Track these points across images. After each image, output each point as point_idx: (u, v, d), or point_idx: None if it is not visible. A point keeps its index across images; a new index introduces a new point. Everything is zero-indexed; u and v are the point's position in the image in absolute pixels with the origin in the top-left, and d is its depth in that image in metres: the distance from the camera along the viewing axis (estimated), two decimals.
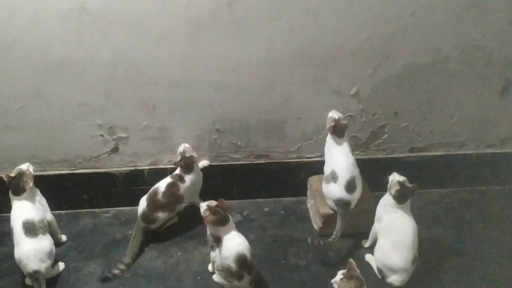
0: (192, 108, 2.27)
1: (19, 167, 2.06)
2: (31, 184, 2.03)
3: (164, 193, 2.21)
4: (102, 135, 2.31)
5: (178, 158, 2.24)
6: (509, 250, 2.22)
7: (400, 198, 1.96)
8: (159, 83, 2.18)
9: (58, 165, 2.36)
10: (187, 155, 2.23)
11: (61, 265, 2.12)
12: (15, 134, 2.26)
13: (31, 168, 2.08)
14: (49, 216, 2.14)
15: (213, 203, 1.91)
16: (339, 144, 2.15)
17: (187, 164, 2.23)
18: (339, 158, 2.14)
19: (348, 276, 1.64)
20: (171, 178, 2.26)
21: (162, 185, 2.24)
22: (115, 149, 2.35)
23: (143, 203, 2.24)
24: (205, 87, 2.22)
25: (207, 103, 2.26)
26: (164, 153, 2.38)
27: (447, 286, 2.03)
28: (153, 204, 2.21)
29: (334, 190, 2.13)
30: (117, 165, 2.39)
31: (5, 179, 2.02)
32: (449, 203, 2.54)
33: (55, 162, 2.36)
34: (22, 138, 2.28)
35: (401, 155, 2.52)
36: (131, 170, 2.40)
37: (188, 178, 2.25)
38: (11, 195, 2.04)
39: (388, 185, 2.01)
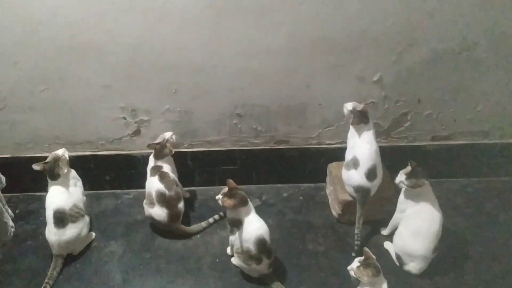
0: (213, 92, 2.27)
1: (55, 152, 2.10)
2: (66, 170, 2.07)
3: (165, 187, 2.16)
4: (124, 118, 2.33)
5: (157, 141, 2.22)
6: None
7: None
8: (181, 67, 2.19)
9: (81, 146, 2.40)
10: (168, 145, 2.22)
11: (93, 234, 2.22)
12: (39, 116, 2.31)
13: (66, 154, 2.11)
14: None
15: (225, 189, 1.92)
16: (364, 130, 2.13)
17: (160, 152, 2.21)
18: (362, 145, 2.12)
19: (365, 264, 1.64)
20: (154, 174, 2.20)
21: (156, 186, 2.17)
22: (137, 132, 2.38)
23: (162, 214, 2.18)
24: (226, 71, 2.22)
25: (228, 87, 2.26)
26: (185, 136, 2.40)
27: (466, 276, 2.02)
28: (171, 204, 2.18)
29: (355, 177, 2.12)
30: (139, 148, 2.42)
31: (39, 168, 2.04)
32: (471, 193, 2.51)
33: (78, 144, 2.40)
34: (46, 120, 2.32)
35: (423, 143, 2.49)
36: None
37: (162, 163, 2.23)
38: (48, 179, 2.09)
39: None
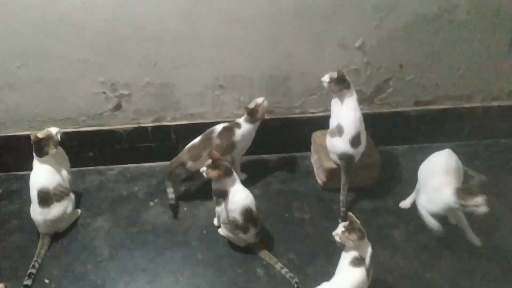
0: (194, 64, 2.23)
1: (50, 129, 2.05)
2: (55, 150, 2.04)
3: (220, 134, 2.19)
4: (104, 93, 2.29)
5: (252, 106, 2.19)
6: (511, 201, 2.24)
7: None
8: (160, 38, 2.14)
9: (61, 123, 2.36)
10: (260, 110, 2.20)
11: (78, 211, 2.21)
12: (17, 93, 2.25)
13: (59, 135, 2.08)
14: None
15: (209, 161, 1.91)
16: (347, 97, 2.12)
17: (253, 116, 2.20)
18: (346, 112, 2.12)
19: (350, 229, 1.66)
20: (229, 124, 2.24)
21: (219, 126, 2.22)
22: (118, 107, 2.34)
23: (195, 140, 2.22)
24: (206, 42, 2.17)
25: (209, 58, 2.23)
26: (167, 110, 2.37)
27: (449, 236, 2.05)
28: (206, 141, 2.19)
29: (339, 144, 2.12)
30: (121, 123, 2.39)
31: (32, 138, 2.00)
32: None
33: (59, 121, 2.36)
34: (24, 97, 2.27)
35: (406, 109, 2.49)
36: (134, 128, 2.40)
37: (246, 127, 2.22)
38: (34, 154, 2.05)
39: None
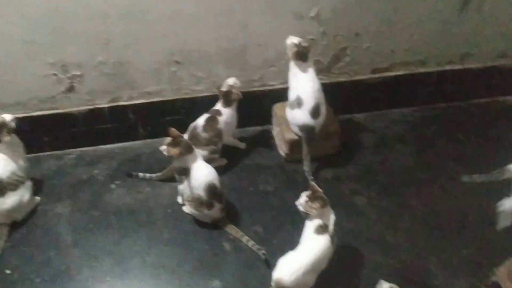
0: (147, 40, 2.17)
1: (3, 116, 1.95)
2: (9, 138, 1.95)
3: (204, 127, 2.16)
4: (55, 74, 2.19)
5: (225, 89, 2.16)
6: (467, 162, 2.32)
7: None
8: (109, 14, 2.06)
9: (12, 108, 2.24)
10: (234, 91, 2.17)
11: (37, 199, 2.13)
12: None
13: (14, 123, 1.98)
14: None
15: (168, 139, 1.88)
16: (305, 69, 2.11)
17: (229, 98, 2.18)
18: (305, 84, 2.12)
19: (312, 198, 1.68)
20: (209, 113, 2.20)
21: (200, 120, 2.18)
22: (70, 88, 2.25)
23: None
24: (158, 16, 2.11)
25: (162, 33, 2.16)
26: (123, 89, 2.30)
27: (409, 199, 2.13)
28: (194, 140, 2.13)
29: (299, 116, 2.13)
30: (75, 105, 2.30)
31: None
32: (411, 121, 2.60)
33: (9, 106, 2.24)
34: None
35: (364, 77, 2.52)
36: (90, 109, 2.32)
37: (227, 112, 2.20)
38: None
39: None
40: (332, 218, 1.71)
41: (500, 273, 1.54)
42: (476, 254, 1.89)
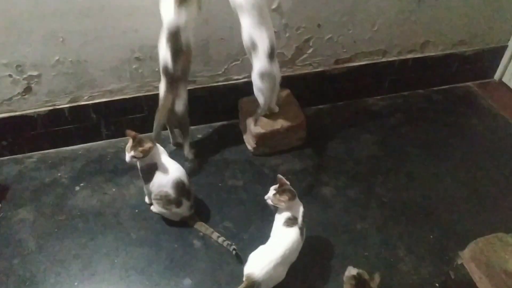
0: (106, 37, 2.10)
1: None
2: None
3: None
4: (10, 76, 2.10)
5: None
6: (430, 149, 2.37)
7: None
8: (64, 12, 1.98)
9: None
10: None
11: None
12: None
13: None
14: None
15: (130, 142, 1.83)
16: None
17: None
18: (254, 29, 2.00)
19: (280, 191, 1.68)
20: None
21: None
22: (28, 89, 2.17)
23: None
24: (116, 12, 2.05)
25: (121, 29, 2.10)
26: (83, 88, 2.23)
27: (376, 187, 2.16)
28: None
29: (256, 65, 2.06)
30: (34, 106, 2.22)
31: None
32: (375, 110, 2.64)
33: None
34: None
35: (328, 68, 2.53)
36: (50, 110, 2.25)
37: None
38: None
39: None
40: (301, 210, 1.71)
41: (465, 256, 1.58)
42: (442, 238, 1.94)
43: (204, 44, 2.26)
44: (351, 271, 1.58)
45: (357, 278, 1.55)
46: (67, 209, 2.08)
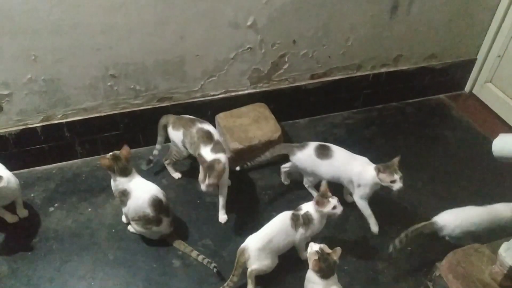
0: (79, 54, 2.07)
1: None
2: None
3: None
4: None
5: None
6: (405, 160, 2.40)
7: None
8: (36, 29, 1.95)
9: None
10: None
11: None
12: None
13: None
14: None
15: (116, 152, 1.82)
16: None
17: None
18: None
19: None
20: None
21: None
22: None
23: None
24: (89, 30, 2.02)
25: (95, 47, 2.08)
26: (56, 107, 2.19)
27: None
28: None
29: None
30: (5, 126, 2.17)
31: None
32: (351, 124, 2.67)
33: None
34: None
35: (303, 83, 2.55)
36: (21, 130, 2.20)
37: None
38: None
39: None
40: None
41: (442, 267, 1.60)
42: (420, 250, 1.97)
43: (180, 60, 2.25)
44: (313, 247, 1.62)
45: (320, 252, 1.59)
46: (41, 231, 2.02)
